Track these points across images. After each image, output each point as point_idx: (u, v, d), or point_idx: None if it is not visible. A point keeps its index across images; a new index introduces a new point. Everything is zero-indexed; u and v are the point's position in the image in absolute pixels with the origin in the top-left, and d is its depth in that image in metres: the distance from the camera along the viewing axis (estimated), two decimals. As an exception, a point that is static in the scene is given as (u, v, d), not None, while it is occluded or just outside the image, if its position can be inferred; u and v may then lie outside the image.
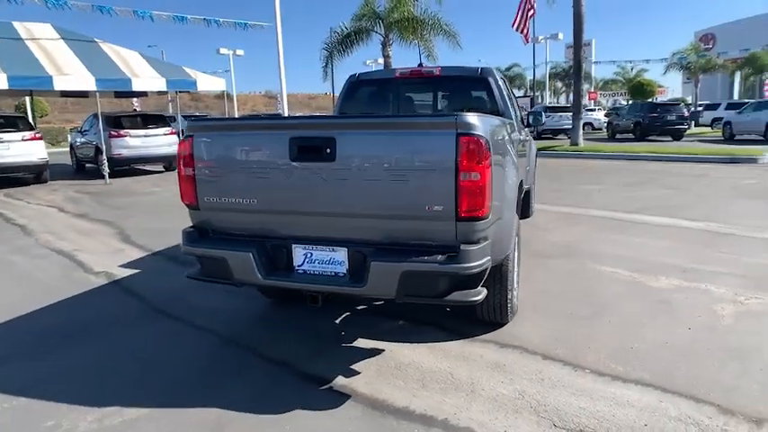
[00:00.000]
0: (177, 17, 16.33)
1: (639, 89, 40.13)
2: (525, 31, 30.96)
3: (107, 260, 5.27)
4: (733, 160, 12.76)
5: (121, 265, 5.08)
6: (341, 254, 2.66)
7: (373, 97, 4.67)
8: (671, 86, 59.66)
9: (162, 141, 13.03)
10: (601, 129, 29.03)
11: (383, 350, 3.14)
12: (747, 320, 3.44)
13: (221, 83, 14.22)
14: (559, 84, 66.42)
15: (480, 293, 2.50)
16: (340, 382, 2.79)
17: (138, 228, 6.87)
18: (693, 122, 27.30)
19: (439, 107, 4.58)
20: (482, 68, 4.37)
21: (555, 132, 25.27)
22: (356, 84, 4.63)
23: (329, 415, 2.48)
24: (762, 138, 17.93)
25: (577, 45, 16.43)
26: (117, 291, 4.40)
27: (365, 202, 2.56)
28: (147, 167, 14.33)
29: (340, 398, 2.63)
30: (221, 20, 17.09)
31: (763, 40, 46.72)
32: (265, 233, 2.80)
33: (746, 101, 27.29)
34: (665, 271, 4.45)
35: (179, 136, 12.08)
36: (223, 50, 31.17)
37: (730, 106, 27.77)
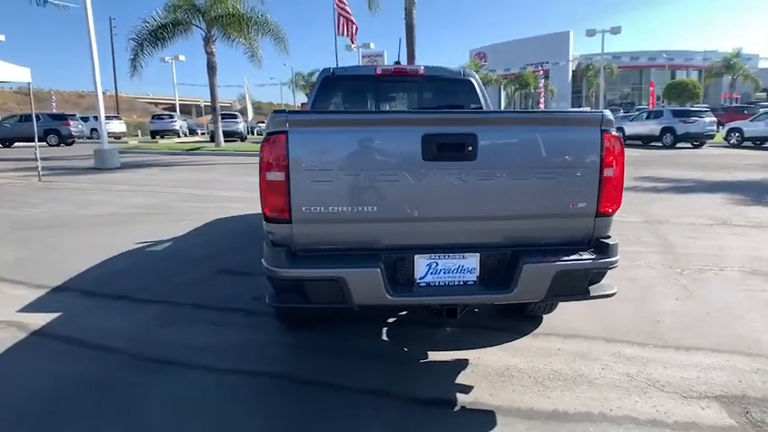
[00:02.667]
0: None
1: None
2: (350, 34, 32.18)
3: (-11, 306, 3.85)
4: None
5: (22, 310, 3.77)
6: (472, 260, 2.46)
7: (351, 94, 4.36)
8: (454, 97, 68.19)
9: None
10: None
11: (466, 359, 3.00)
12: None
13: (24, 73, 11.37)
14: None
15: (614, 287, 2.57)
16: (464, 399, 2.58)
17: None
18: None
19: (422, 105, 4.48)
20: (464, 71, 4.45)
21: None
22: (331, 79, 4.26)
23: None
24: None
25: (410, 55, 17.65)
26: (56, 343, 3.26)
27: (507, 203, 2.42)
28: None
29: (486, 415, 2.44)
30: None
31: (521, 61, 56.86)
32: (381, 245, 2.42)
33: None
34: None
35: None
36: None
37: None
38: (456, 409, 2.51)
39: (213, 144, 23.56)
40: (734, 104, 39.70)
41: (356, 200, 2.33)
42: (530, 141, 2.41)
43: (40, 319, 3.57)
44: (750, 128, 21.16)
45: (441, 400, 2.59)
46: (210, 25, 20.70)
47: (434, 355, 3.06)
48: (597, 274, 2.54)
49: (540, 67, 58.15)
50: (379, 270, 2.29)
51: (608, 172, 2.42)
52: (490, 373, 2.84)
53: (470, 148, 2.32)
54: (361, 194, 2.34)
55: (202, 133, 41.38)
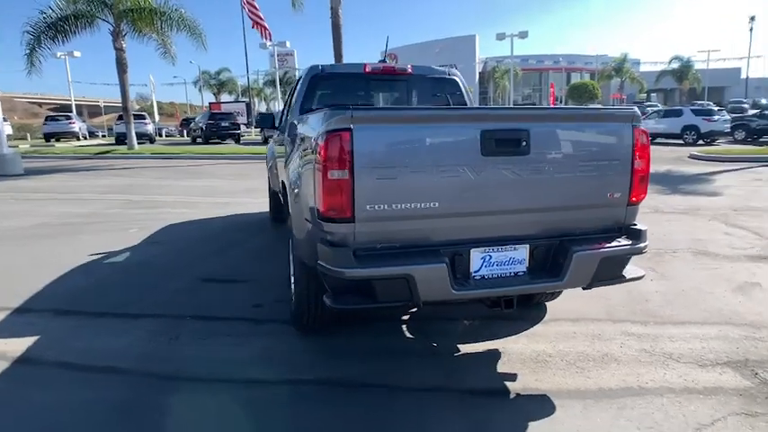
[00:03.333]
0: None
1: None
2: (265, 34, 31.61)
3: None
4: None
5: (-10, 337, 3.31)
6: (522, 252, 2.55)
7: (339, 92, 4.30)
8: (368, 96, 69.04)
9: None
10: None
11: (496, 349, 3.10)
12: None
13: None
14: (268, 90, 68.37)
15: (641, 270, 2.78)
16: (515, 386, 2.67)
17: None
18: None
19: (411, 104, 4.51)
20: (449, 70, 4.55)
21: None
22: (320, 77, 4.18)
23: (572, 416, 2.40)
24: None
25: (337, 55, 17.56)
26: (53, 370, 2.90)
27: (555, 195, 2.54)
28: None
29: (541, 399, 2.55)
30: None
31: (430, 63, 58.50)
32: (440, 240, 2.44)
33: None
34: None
35: None
36: None
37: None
38: (512, 396, 2.60)
39: (124, 147, 21.88)
40: (623, 105, 43.94)
41: (418, 196, 2.33)
42: (573, 135, 2.55)
43: (18, 346, 3.16)
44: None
45: (495, 389, 2.66)
46: (119, 19, 19.16)
47: (465, 348, 3.13)
48: (627, 259, 2.74)
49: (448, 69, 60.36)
50: (445, 265, 2.31)
51: (638, 164, 2.62)
52: (524, 360, 2.95)
53: (524, 143, 2.41)
54: (423, 190, 2.34)
55: (103, 135, 38.32)
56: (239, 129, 28.85)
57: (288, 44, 36.19)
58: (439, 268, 2.30)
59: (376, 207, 2.29)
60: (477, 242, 2.50)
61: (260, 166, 14.90)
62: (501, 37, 32.37)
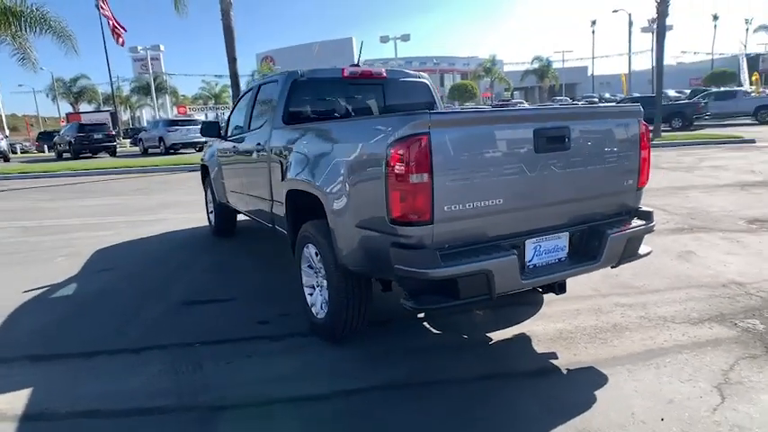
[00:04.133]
0: None
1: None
2: (118, 37, 29.47)
3: None
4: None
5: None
6: (564, 239, 2.79)
7: (319, 97, 4.25)
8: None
9: None
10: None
11: (522, 333, 3.32)
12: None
13: None
14: (135, 98, 63.24)
15: (649, 247, 3.16)
16: (560, 363, 2.91)
17: None
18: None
19: (387, 108, 4.56)
20: (420, 74, 4.70)
21: (185, 146, 24.52)
22: (300, 83, 4.09)
23: (625, 380, 2.67)
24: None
25: (231, 58, 16.82)
26: (76, 421, 2.53)
27: (589, 184, 2.81)
28: None
29: (590, 371, 2.81)
30: None
31: (309, 65, 58.86)
32: (502, 234, 2.58)
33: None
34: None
35: None
36: None
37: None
38: (564, 372, 2.82)
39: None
40: (496, 101, 47.91)
41: (486, 194, 2.46)
42: (599, 131, 2.85)
43: (13, 402, 2.71)
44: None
45: (545, 368, 2.88)
46: (-38, 19, 16.48)
47: (495, 336, 3.31)
48: (642, 238, 3.11)
49: (326, 71, 60.96)
50: (516, 257, 2.46)
51: (644, 153, 3.00)
52: (552, 339, 3.21)
53: (567, 140, 2.65)
54: (490, 188, 2.47)
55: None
56: (115, 141, 26.65)
57: (162, 47, 33.76)
58: (512, 260, 2.45)
59: (452, 207, 2.38)
60: (529, 233, 2.69)
61: (159, 179, 13.96)
62: (385, 39, 33.42)
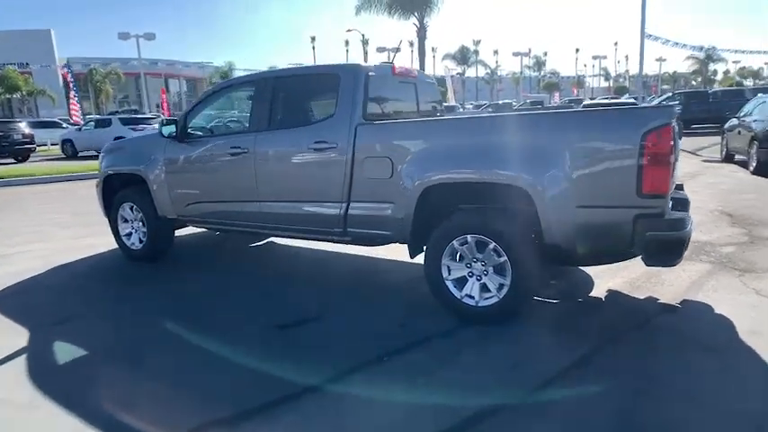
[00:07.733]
0: None
1: None
2: None
3: None
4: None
5: None
6: None
7: (378, 93, 4.13)
8: None
9: None
10: None
11: (618, 291, 4.04)
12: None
13: None
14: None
15: None
16: (669, 297, 3.74)
17: None
18: None
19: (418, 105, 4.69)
20: (431, 75, 5.01)
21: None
22: (372, 78, 3.97)
23: (749, 306, 3.54)
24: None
25: None
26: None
27: None
28: None
29: (708, 307, 3.57)
30: None
31: (13, 59, 48.17)
32: None
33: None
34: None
35: None
36: None
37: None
38: (679, 305, 3.65)
39: None
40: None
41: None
42: None
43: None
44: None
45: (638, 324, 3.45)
46: None
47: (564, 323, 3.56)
48: None
49: (24, 68, 50.46)
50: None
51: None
52: (639, 286, 4.03)
53: None
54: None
55: None
56: (34, 142, 19.96)
57: None
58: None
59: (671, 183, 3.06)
60: None
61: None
62: (124, 36, 29.12)
